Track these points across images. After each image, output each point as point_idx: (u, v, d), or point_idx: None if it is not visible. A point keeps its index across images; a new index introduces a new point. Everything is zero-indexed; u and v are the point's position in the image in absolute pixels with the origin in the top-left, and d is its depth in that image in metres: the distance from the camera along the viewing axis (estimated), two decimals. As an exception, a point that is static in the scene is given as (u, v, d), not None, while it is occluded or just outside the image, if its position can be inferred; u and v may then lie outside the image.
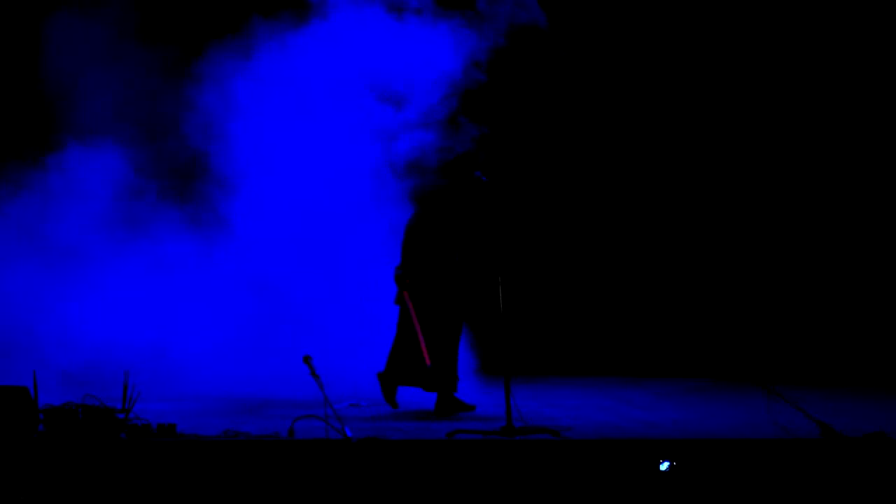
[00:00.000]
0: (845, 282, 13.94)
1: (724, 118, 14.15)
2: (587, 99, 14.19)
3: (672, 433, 9.29)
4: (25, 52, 12.78)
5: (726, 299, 14.12)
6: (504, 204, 10.10)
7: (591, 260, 14.46)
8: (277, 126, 12.47)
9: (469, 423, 9.66)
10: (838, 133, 13.95)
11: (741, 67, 14.04)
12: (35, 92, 12.73)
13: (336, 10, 12.20)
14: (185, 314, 12.41)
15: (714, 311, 14.11)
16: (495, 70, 11.82)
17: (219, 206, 12.54)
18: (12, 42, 12.95)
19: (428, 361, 10.50)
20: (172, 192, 12.71)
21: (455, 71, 11.71)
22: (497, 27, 11.61)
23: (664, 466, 8.14)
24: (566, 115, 14.20)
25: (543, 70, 13.53)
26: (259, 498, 8.12)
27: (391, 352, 10.80)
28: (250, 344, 12.20)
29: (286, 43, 12.35)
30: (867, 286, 13.87)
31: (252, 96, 12.46)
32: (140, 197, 12.64)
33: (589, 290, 14.45)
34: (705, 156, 14.22)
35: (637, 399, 11.79)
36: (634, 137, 14.30)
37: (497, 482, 8.15)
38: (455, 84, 11.74)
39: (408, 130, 11.85)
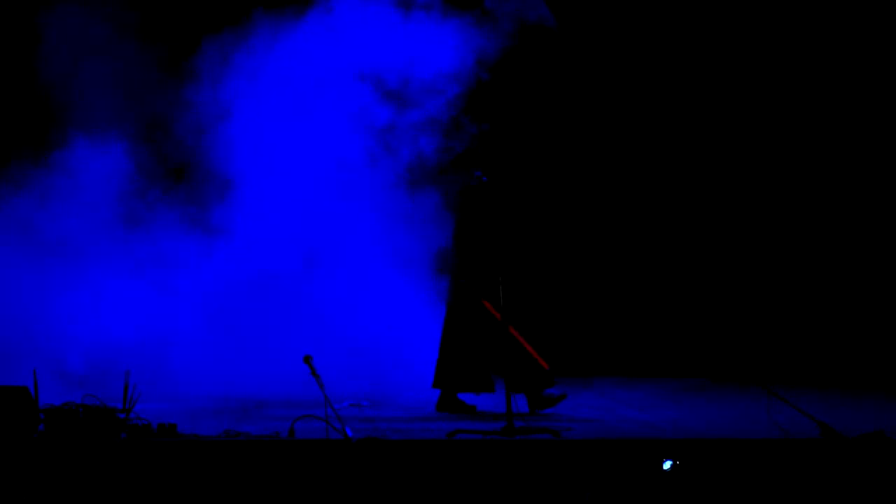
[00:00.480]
0: (844, 281, 13.95)
1: (724, 119, 14.15)
2: (590, 99, 14.19)
3: (671, 433, 9.30)
4: (21, 47, 12.73)
5: (724, 299, 14.13)
6: (504, 204, 10.09)
7: (588, 260, 14.45)
8: (277, 124, 12.45)
9: (469, 424, 9.67)
10: (837, 133, 13.96)
11: (743, 68, 14.04)
12: (32, 89, 12.68)
13: (340, 6, 12.19)
14: (186, 314, 12.39)
15: (711, 311, 14.11)
16: (501, 69, 11.81)
17: (220, 205, 12.52)
18: (11, 40, 12.92)
19: (545, 365, 10.50)
20: (173, 190, 12.69)
21: (460, 70, 11.71)
22: (504, 27, 11.60)
23: (667, 466, 8.15)
24: (566, 115, 14.19)
25: (549, 70, 13.52)
26: (259, 498, 8.13)
27: (443, 361, 10.71)
28: (250, 344, 12.18)
29: (288, 39, 12.33)
30: (866, 286, 13.88)
31: (252, 93, 12.43)
32: (141, 195, 12.61)
33: (586, 290, 14.44)
34: (705, 156, 14.22)
35: (634, 399, 11.79)
36: (634, 137, 14.31)
37: (497, 482, 8.16)
38: (460, 82, 11.74)
39: (412, 129, 11.85)
